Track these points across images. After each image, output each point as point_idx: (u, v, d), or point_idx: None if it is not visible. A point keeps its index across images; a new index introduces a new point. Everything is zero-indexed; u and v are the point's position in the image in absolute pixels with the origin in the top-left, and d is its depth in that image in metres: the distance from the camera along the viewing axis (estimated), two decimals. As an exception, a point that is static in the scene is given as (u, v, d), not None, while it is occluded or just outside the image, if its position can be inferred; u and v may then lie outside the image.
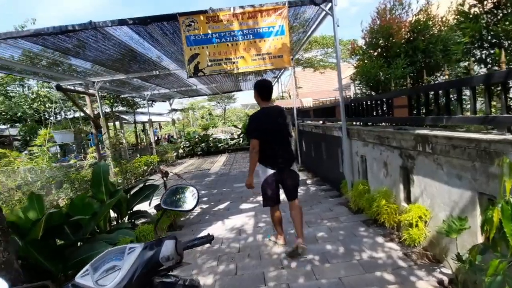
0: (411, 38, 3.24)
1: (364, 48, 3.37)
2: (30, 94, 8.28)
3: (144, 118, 14.29)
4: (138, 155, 12.61)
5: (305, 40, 5.98)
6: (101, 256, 1.06)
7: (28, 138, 8.36)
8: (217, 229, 3.77)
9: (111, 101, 12.77)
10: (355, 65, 3.58)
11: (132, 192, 3.61)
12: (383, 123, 3.33)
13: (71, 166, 3.86)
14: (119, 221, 3.35)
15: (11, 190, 3.57)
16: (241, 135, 14.51)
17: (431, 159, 2.32)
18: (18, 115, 9.12)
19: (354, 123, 4.22)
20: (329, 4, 3.83)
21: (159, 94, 12.24)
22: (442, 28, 3.23)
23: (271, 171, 2.82)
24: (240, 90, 14.44)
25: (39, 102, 7.20)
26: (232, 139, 15.33)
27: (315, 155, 6.31)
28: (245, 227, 3.72)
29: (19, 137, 9.20)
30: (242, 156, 11.52)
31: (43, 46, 4.77)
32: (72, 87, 7.64)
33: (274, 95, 14.93)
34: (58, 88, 2.74)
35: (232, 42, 3.91)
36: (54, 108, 11.25)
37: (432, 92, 2.44)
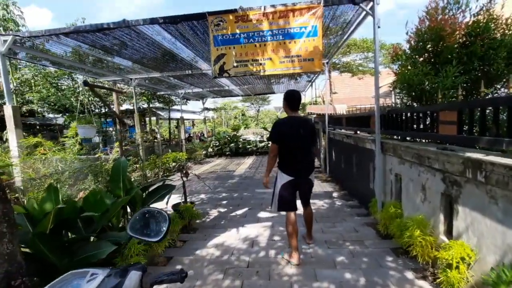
0: (467, 43, 2.75)
1: (408, 52, 2.95)
2: (77, 87, 8.98)
3: (178, 115, 14.76)
4: (170, 151, 13.11)
5: (342, 43, 5.58)
6: (62, 278, 0.94)
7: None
8: (230, 237, 3.60)
9: (149, 97, 13.42)
10: (396, 71, 3.16)
11: (148, 191, 3.60)
12: (424, 140, 2.89)
13: (97, 159, 4.01)
14: (133, 219, 3.34)
15: (43, 177, 3.75)
16: (270, 138, 14.27)
17: (482, 190, 1.89)
18: (66, 106, 9.94)
19: (390, 136, 3.79)
20: (370, 3, 3.46)
21: (192, 93, 12.55)
22: (507, 31, 2.70)
23: (288, 178, 2.87)
24: (273, 92, 14.25)
25: (82, 95, 7.75)
26: (261, 141, 15.18)
27: (345, 167, 5.86)
28: (259, 239, 3.50)
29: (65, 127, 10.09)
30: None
31: (85, 43, 5.04)
32: (106, 83, 8.13)
33: (307, 99, 14.47)
34: (86, 83, 2.83)
35: (260, 42, 3.73)
36: (98, 102, 12.15)
37: (491, 108, 2.00)
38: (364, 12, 3.74)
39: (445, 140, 2.50)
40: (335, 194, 5.60)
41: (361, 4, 3.48)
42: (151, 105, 15.31)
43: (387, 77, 15.09)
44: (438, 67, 2.62)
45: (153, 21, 3.86)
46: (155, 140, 17.29)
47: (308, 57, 3.71)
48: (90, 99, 9.25)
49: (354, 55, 9.60)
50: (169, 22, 3.90)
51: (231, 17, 3.71)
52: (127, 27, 4.08)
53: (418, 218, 2.56)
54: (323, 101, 13.25)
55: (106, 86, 6.23)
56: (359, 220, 4.03)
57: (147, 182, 4.02)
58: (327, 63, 7.04)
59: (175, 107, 16.71)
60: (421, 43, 2.79)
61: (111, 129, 16.58)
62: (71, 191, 4.00)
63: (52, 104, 9.07)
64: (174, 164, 9.75)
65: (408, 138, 3.13)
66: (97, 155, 4.00)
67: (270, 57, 3.76)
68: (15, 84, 9.08)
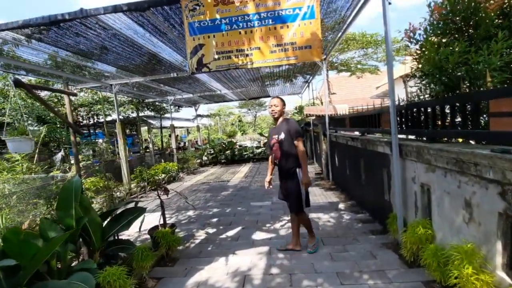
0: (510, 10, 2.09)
1: (433, 28, 2.27)
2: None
3: (170, 123, 14.08)
4: (163, 160, 12.37)
5: (342, 32, 4.93)
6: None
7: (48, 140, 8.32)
8: (216, 272, 2.87)
9: (137, 105, 12.73)
10: (416, 53, 2.49)
11: (112, 216, 2.88)
12: (455, 140, 2.20)
13: (52, 178, 3.31)
14: (88, 256, 2.61)
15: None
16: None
17: None
18: (42, 117, 9.23)
19: (409, 137, 3.11)
20: (377, -26, 2.82)
21: (183, 99, 11.91)
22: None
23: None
24: (268, 96, 13.63)
25: (14, 99, 7.09)
26: (258, 147, 14.49)
27: (351, 173, 5.16)
28: (252, 273, 2.77)
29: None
30: (267, 167, 10.56)
31: (47, 43, 4.39)
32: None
33: (304, 101, 13.84)
34: (17, 83, 2.12)
35: (246, 29, 3.07)
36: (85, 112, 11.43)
37: None
38: (370, -12, 3.10)
39: (498, 140, 1.82)
40: (341, 206, 4.88)
41: (366, -23, 2.84)
42: (142, 114, 14.64)
43: (386, 76, 14.55)
44: (476, 44, 1.96)
45: (116, 8, 3.19)
46: (147, 151, 16.57)
47: (305, 44, 3.05)
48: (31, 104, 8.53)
49: (352, 51, 8.98)
50: (136, 9, 3.23)
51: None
52: (86, 18, 3.41)
53: (466, 248, 1.85)
54: (321, 102, 12.64)
55: (53, 87, 5.50)
56: (374, 240, 3.32)
57: (114, 204, 3.29)
58: (324, 59, 6.41)
59: (167, 115, 16.06)
60: (450, 14, 2.13)
61: (100, 141, 15.86)
62: (22, 218, 3.27)
63: (25, 115, 8.37)
64: (163, 175, 9.03)
65: (438, 138, 2.44)
66: (52, 173, 3.31)
67: (258, 46, 3.10)
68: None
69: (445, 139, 2.35)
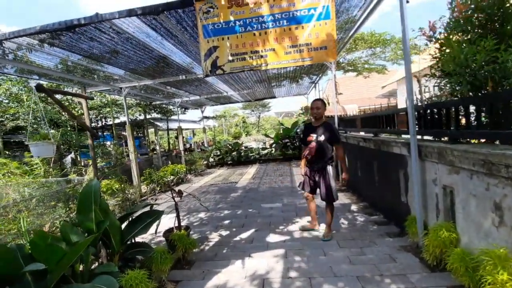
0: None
1: (457, 24, 2.23)
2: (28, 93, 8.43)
3: (177, 125, 14.15)
4: (170, 162, 12.41)
5: (354, 31, 4.88)
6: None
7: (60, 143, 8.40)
8: (234, 275, 2.85)
9: (145, 108, 12.82)
10: (435, 52, 2.45)
11: (129, 220, 2.88)
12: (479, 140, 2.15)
13: (68, 181, 3.33)
14: (108, 259, 2.61)
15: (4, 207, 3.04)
16: (274, 145, 13.56)
17: None
18: (55, 120, 9.34)
19: (423, 137, 3.05)
20: (394, -26, 2.78)
21: (190, 101, 11.95)
22: None
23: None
24: (274, 97, 13.62)
25: (35, 104, 7.18)
26: (264, 148, 14.47)
27: (362, 174, 5.11)
28: (270, 277, 2.75)
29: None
30: (274, 168, 10.55)
31: (62, 48, 4.43)
32: (93, 93, 7.46)
33: (310, 101, 13.79)
34: (39, 88, 2.18)
35: (260, 30, 3.05)
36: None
37: None
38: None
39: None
40: (354, 207, 4.83)
41: (383, -24, 2.80)
42: (149, 116, 14.73)
43: (394, 75, 14.41)
44: (505, 41, 1.91)
45: (130, 12, 3.21)
46: (155, 152, 16.66)
47: (320, 45, 3.02)
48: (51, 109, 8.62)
49: (360, 51, 8.91)
50: (149, 12, 3.23)
51: (223, 1, 3.05)
52: (101, 22, 3.43)
53: (499, 253, 1.80)
54: (328, 103, 12.56)
55: (71, 92, 5.56)
56: (392, 243, 3.27)
57: (129, 207, 3.30)
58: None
59: (173, 117, 16.13)
60: (473, 12, 2.08)
61: (108, 143, 15.99)
62: (41, 221, 3.30)
63: (39, 118, 8.49)
64: (172, 177, 9.06)
65: (462, 140, 2.39)
66: (69, 176, 3.33)
67: (273, 47, 3.08)
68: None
69: (468, 140, 2.30)
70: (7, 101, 9.19)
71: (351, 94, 23.70)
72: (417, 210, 2.86)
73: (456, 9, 2.32)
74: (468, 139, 2.33)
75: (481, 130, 2.15)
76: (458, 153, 2.21)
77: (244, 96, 12.45)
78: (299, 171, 4.25)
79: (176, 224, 3.54)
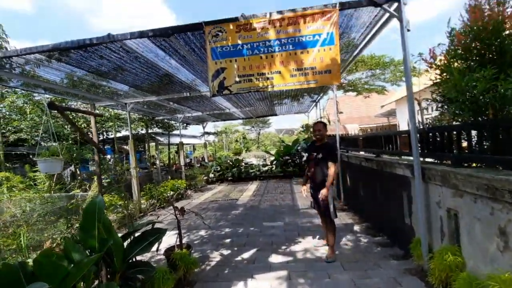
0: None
1: (456, 53, 2.34)
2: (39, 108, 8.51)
3: (178, 140, 14.22)
4: (169, 177, 12.35)
5: (355, 55, 5.05)
6: None
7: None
8: (236, 297, 2.79)
9: (147, 123, 12.94)
10: (436, 78, 2.55)
11: (132, 238, 2.86)
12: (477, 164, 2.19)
13: (71, 197, 3.32)
14: (108, 278, 2.56)
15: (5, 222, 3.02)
16: (274, 162, 13.57)
17: None
18: (59, 133, 9.40)
19: (426, 159, 3.10)
20: (395, 4, 2.94)
21: (192, 117, 12.09)
22: None
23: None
24: (275, 114, 13.79)
25: (47, 120, 7.28)
26: (264, 165, 14.46)
27: (365, 194, 5.10)
28: (274, 299, 2.69)
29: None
30: (274, 185, 10.50)
31: (72, 65, 4.55)
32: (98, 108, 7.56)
33: (311, 119, 13.96)
34: (51, 106, 2.25)
35: (267, 54, 3.17)
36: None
37: None
38: (387, 15, 3.23)
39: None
40: (356, 228, 4.79)
41: (383, 5, 2.96)
42: (150, 131, 14.83)
43: (393, 95, 14.70)
44: (504, 70, 2.00)
45: (141, 34, 3.34)
46: (154, 166, 16.61)
47: (325, 69, 3.13)
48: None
49: (359, 73, 9.16)
50: (160, 35, 3.38)
51: (231, 26, 3.19)
52: (112, 42, 3.56)
53: (504, 278, 1.80)
54: (328, 121, 12.72)
55: (81, 108, 5.64)
56: (396, 266, 3.23)
57: (132, 224, 3.27)
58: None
59: (175, 132, 16.24)
60: (472, 42, 2.20)
61: (108, 157, 15.97)
62: (41, 236, 3.26)
63: (42, 132, 8.54)
64: (172, 193, 8.99)
65: (465, 163, 2.43)
66: (72, 192, 3.33)
67: (279, 70, 3.19)
68: (2, 112, 8.60)
69: (479, 163, 2.34)
70: (10, 113, 9.30)
71: (350, 112, 24.03)
72: (422, 233, 2.85)
73: (455, 38, 2.44)
74: (471, 163, 2.37)
75: (483, 155, 2.19)
76: (462, 177, 2.25)
77: (246, 113, 12.61)
78: (300, 189, 4.38)
79: (178, 242, 3.51)
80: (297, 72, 3.16)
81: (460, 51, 2.44)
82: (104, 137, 15.73)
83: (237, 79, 3.23)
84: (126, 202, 3.56)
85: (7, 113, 8.73)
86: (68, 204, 3.05)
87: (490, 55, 2.17)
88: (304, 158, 4.20)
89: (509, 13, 2.19)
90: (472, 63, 2.37)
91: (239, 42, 3.19)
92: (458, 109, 2.27)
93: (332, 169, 3.61)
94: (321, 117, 11.67)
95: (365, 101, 21.66)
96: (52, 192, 3.40)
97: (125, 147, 17.49)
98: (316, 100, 10.44)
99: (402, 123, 10.11)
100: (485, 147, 2.15)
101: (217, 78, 3.27)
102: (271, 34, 3.15)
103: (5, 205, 3.09)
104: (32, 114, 9.24)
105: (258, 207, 7.18)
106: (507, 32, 2.17)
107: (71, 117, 10.20)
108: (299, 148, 12.46)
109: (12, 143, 9.21)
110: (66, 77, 5.57)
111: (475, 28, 2.15)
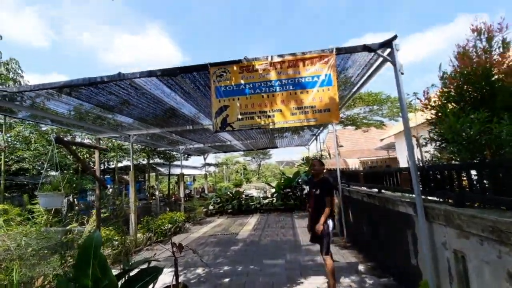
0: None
1: (449, 96, 2.46)
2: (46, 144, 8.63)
3: (179, 170, 14.21)
4: (168, 209, 12.10)
5: (352, 94, 5.27)
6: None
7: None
8: None
9: (149, 153, 13.04)
10: (430, 118, 2.64)
11: (126, 278, 2.74)
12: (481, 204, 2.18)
13: (68, 231, 3.25)
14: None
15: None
16: (275, 194, 13.38)
17: None
18: (61, 164, 9.44)
19: (428, 197, 3.08)
20: (388, 50, 3.15)
21: (193, 149, 12.21)
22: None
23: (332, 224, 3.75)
24: (276, 147, 13.92)
25: (52, 154, 7.37)
26: (265, 197, 14.23)
27: (368, 232, 4.97)
28: None
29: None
30: (275, 219, 10.23)
31: (82, 100, 4.74)
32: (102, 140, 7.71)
33: (311, 152, 14.04)
34: (58, 140, 2.34)
35: (268, 93, 3.33)
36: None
37: None
38: (381, 59, 3.44)
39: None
40: (361, 267, 4.58)
41: (378, 51, 3.17)
42: (151, 161, 14.87)
43: (390, 129, 14.96)
44: (497, 113, 2.09)
45: (150, 73, 3.54)
46: (153, 197, 16.35)
47: (324, 107, 3.26)
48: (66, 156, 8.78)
49: (358, 108, 9.45)
50: (168, 74, 3.59)
51: (235, 67, 3.39)
52: (122, 80, 3.76)
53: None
54: (329, 154, 12.79)
55: (86, 143, 5.73)
56: (405, 312, 3.03)
57: (127, 260, 3.15)
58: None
59: (176, 162, 16.27)
60: (465, 85, 2.33)
61: (108, 186, 15.82)
62: (33, 273, 3.12)
63: (45, 162, 8.60)
64: (170, 226, 8.74)
65: (467, 203, 2.42)
66: (69, 227, 3.25)
67: (279, 108, 3.32)
68: (9, 141, 8.73)
69: (480, 204, 2.33)
70: (15, 142, 9.45)
71: (350, 145, 24.19)
72: (429, 276, 2.74)
73: (447, 81, 2.58)
74: (484, 205, 2.35)
75: (485, 196, 2.19)
76: (466, 218, 2.22)
77: (247, 146, 12.75)
78: (303, 224, 4.61)
79: (174, 282, 3.34)
80: (297, 110, 3.29)
81: (453, 93, 2.56)
82: (105, 167, 15.76)
83: (240, 116, 3.35)
84: (123, 238, 3.45)
85: (13, 142, 8.87)
86: (63, 238, 2.97)
87: (482, 98, 2.28)
88: (306, 192, 4.36)
89: (495, 60, 2.35)
90: (465, 105, 2.48)
91: (242, 82, 3.37)
92: (455, 149, 2.33)
93: (328, 203, 3.69)
94: (321, 150, 11.77)
95: (365, 134, 21.96)
96: (50, 225, 3.33)
97: (125, 177, 17.40)
98: (316, 134, 10.62)
99: (402, 157, 10.17)
100: (487, 186, 2.15)
101: (220, 115, 3.39)
102: (272, 75, 3.33)
103: (1, 238, 3.02)
104: (37, 144, 9.38)
105: (258, 242, 6.94)
106: (495, 77, 2.30)
107: (75, 148, 10.34)
108: (300, 180, 12.37)
109: (13, 172, 9.21)
110: (73, 109, 5.78)
111: (465, 72, 2.29)
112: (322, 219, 3.63)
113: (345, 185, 6.44)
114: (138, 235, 7.59)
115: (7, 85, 6.76)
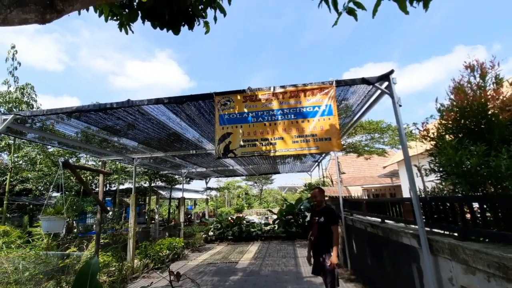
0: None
1: (451, 127, 2.52)
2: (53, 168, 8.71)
3: (180, 194, 14.10)
4: (167, 234, 11.82)
5: (353, 122, 5.37)
6: None
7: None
8: None
9: (151, 176, 13.04)
10: (431, 149, 2.68)
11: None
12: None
13: (66, 256, 3.19)
14: None
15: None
16: (277, 221, 13.08)
17: None
18: (64, 185, 9.47)
19: (432, 229, 3.02)
20: (386, 83, 3.29)
21: (196, 172, 12.21)
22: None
23: None
24: (278, 172, 13.88)
25: (59, 178, 7.44)
26: (266, 224, 13.90)
27: (373, 264, 4.79)
28: None
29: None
30: (277, 248, 9.92)
31: (90, 124, 4.89)
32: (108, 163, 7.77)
33: (313, 178, 13.93)
34: (65, 165, 2.40)
35: (270, 121, 3.43)
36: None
37: None
38: (379, 92, 3.57)
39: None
40: (366, 303, 4.36)
41: (376, 84, 3.30)
42: (153, 184, 14.83)
43: (392, 157, 14.94)
44: (494, 146, 2.13)
45: (158, 101, 3.70)
46: (152, 222, 16.04)
47: (325, 136, 3.33)
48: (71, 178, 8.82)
49: (359, 136, 9.54)
50: (175, 102, 3.73)
51: (239, 97, 3.54)
52: (130, 107, 3.90)
53: None
54: (331, 181, 12.68)
55: (92, 167, 5.80)
56: None
57: (119, 285, 3.05)
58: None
59: (177, 186, 16.19)
60: (462, 119, 2.39)
61: (108, 208, 15.65)
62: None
63: (48, 183, 8.64)
64: (168, 252, 8.50)
65: (472, 237, 2.37)
66: (68, 251, 3.20)
67: (281, 136, 3.40)
68: (15, 162, 8.84)
69: (486, 238, 2.28)
70: (21, 163, 9.57)
71: (353, 172, 23.98)
72: (437, 314, 2.60)
73: (445, 114, 2.66)
74: (490, 239, 2.31)
75: (489, 230, 2.16)
76: (471, 253, 2.17)
77: (249, 171, 12.74)
78: (304, 253, 4.51)
79: (170, 315, 3.20)
80: (299, 138, 3.36)
81: (450, 125, 2.62)
82: (107, 189, 15.71)
83: (242, 143, 3.42)
84: (121, 264, 3.37)
85: (19, 163, 8.99)
86: (60, 262, 2.92)
87: (479, 131, 2.33)
88: (307, 219, 4.29)
89: (489, 96, 2.43)
90: (463, 137, 2.52)
91: (245, 110, 3.49)
92: (456, 181, 2.33)
93: (335, 232, 3.60)
94: (323, 177, 11.68)
95: (368, 161, 21.86)
96: (48, 250, 3.28)
97: (125, 199, 17.24)
98: (318, 161, 10.63)
99: (405, 185, 10.05)
100: (490, 220, 2.13)
101: (223, 141, 3.47)
102: (275, 105, 3.45)
103: (0, 261, 2.98)
104: (42, 165, 9.49)
105: (258, 272, 6.68)
106: (491, 111, 2.38)
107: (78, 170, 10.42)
108: (302, 207, 12.16)
109: (16, 193, 9.23)
110: (81, 132, 5.94)
111: (462, 107, 2.37)
112: (335, 250, 3.49)
113: (347, 213, 6.32)
114: (136, 261, 7.38)
115: (20, 108, 7.03)
